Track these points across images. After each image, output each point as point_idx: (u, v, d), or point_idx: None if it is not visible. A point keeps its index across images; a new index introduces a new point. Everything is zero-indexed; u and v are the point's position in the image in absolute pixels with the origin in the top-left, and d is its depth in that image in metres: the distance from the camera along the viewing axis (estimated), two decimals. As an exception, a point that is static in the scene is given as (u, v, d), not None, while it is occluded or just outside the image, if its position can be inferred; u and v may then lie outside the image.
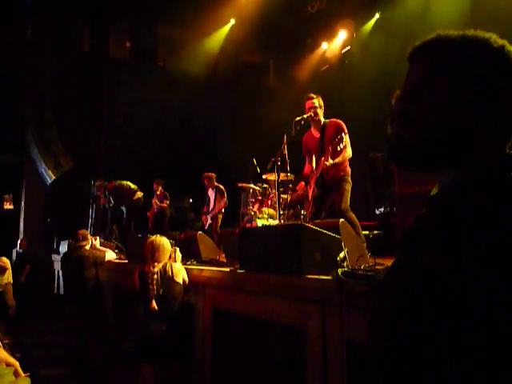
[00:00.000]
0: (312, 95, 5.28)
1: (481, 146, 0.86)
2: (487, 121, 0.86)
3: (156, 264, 4.00)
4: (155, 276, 3.92)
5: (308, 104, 5.21)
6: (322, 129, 5.19)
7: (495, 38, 0.90)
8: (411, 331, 0.74)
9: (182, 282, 4.01)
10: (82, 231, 6.46)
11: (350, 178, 5.04)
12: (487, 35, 0.91)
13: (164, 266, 4.02)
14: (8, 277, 8.70)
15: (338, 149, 4.66)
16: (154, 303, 3.85)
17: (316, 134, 5.28)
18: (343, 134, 4.70)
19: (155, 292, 3.88)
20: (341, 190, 4.92)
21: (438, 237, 0.79)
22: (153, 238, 4.20)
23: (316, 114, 5.17)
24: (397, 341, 0.77)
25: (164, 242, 4.16)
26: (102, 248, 6.63)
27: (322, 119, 5.25)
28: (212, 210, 8.78)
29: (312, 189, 5.06)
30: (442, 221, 0.81)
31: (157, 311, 3.83)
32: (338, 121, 5.14)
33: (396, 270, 0.89)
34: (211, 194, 8.81)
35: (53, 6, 10.41)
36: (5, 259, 8.85)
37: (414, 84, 0.95)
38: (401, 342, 0.76)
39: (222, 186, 8.71)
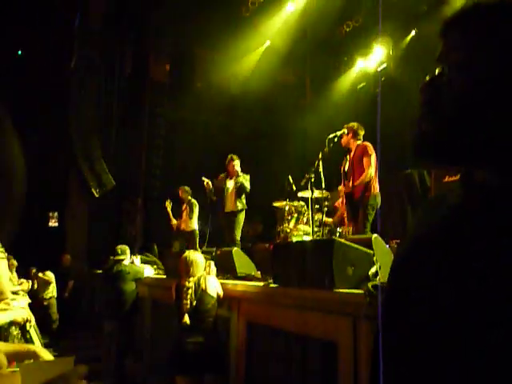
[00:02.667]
0: (345, 126, 5.72)
1: None
2: None
3: (190, 279, 4.07)
4: (189, 290, 3.99)
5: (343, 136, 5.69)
6: (354, 152, 5.65)
7: None
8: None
9: (215, 296, 4.07)
10: (121, 246, 6.58)
11: (375, 197, 5.47)
12: None
13: (198, 280, 4.09)
14: (52, 291, 9.02)
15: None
16: (186, 317, 3.91)
17: (350, 156, 5.73)
18: (366, 157, 5.32)
19: (188, 306, 3.95)
20: (364, 210, 5.41)
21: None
22: (186, 253, 4.30)
23: (345, 141, 5.66)
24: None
25: (197, 256, 4.24)
26: (141, 265, 6.80)
27: (354, 144, 5.68)
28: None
29: (344, 208, 5.68)
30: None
31: (189, 325, 3.89)
32: (365, 143, 5.59)
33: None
34: (184, 207, 8.73)
35: (97, 31, 10.91)
36: (49, 273, 9.19)
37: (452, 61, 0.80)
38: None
39: (194, 201, 8.61)
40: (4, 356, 1.59)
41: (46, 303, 8.91)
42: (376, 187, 5.53)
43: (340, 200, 6.65)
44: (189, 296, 3.95)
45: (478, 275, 0.68)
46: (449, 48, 0.83)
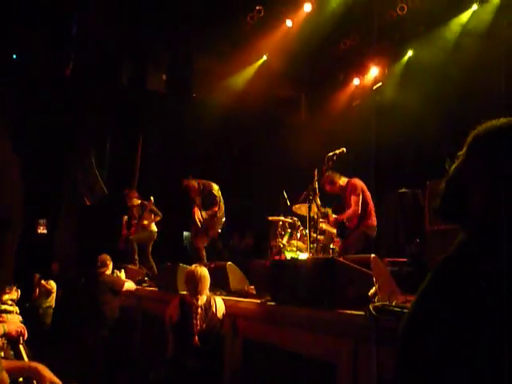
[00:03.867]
0: (321, 183, 6.07)
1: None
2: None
3: (199, 297, 3.89)
4: (199, 310, 3.82)
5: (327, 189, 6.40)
6: (345, 189, 6.32)
7: None
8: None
9: (221, 317, 3.95)
10: (102, 256, 6.41)
11: (365, 229, 6.14)
12: None
13: (208, 300, 3.92)
14: (51, 301, 8.89)
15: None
16: (196, 339, 3.74)
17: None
18: (354, 195, 6.01)
19: (198, 327, 3.77)
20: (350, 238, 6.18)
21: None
22: (193, 268, 4.08)
23: (331, 190, 6.36)
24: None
25: (205, 272, 4.05)
26: (124, 279, 6.63)
27: (339, 182, 6.34)
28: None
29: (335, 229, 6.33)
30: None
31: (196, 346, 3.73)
32: (353, 181, 6.25)
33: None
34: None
35: (94, 40, 10.90)
36: (52, 283, 9.07)
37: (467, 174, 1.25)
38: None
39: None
40: (6, 374, 1.55)
41: (41, 311, 8.78)
42: (373, 220, 6.24)
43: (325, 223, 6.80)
44: (198, 316, 3.79)
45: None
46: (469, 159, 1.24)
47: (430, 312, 0.99)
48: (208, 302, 3.92)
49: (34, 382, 1.70)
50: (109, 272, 6.35)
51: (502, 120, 1.22)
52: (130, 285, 6.45)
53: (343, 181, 6.42)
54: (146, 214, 8.38)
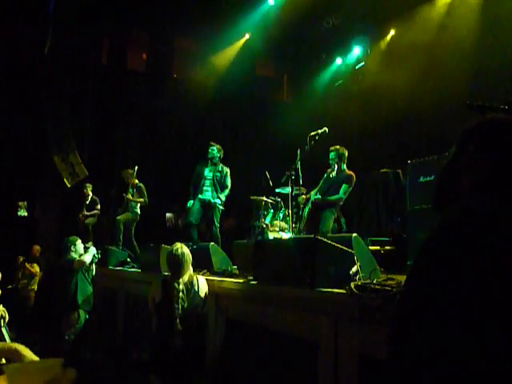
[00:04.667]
0: (332, 148, 6.16)
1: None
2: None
3: (180, 280, 3.82)
4: (180, 294, 3.75)
5: (330, 156, 6.17)
6: (338, 174, 6.18)
7: None
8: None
9: (203, 296, 3.91)
10: (70, 237, 6.31)
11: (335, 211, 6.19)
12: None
13: (191, 280, 3.86)
14: (34, 284, 8.82)
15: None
16: (178, 323, 3.69)
17: (331, 174, 6.22)
18: (347, 185, 6.00)
19: (180, 311, 3.71)
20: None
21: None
22: (174, 248, 3.97)
23: (336, 166, 6.13)
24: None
25: (186, 252, 3.95)
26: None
27: (341, 168, 6.19)
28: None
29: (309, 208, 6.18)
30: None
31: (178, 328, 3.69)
32: (351, 173, 6.18)
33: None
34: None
35: (72, 19, 10.64)
36: (36, 266, 8.98)
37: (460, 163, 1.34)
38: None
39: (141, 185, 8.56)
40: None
41: (23, 294, 8.72)
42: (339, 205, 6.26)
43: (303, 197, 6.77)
44: (180, 300, 3.72)
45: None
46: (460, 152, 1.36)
47: (423, 290, 1.03)
48: (190, 281, 3.87)
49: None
50: (75, 254, 6.14)
51: (491, 116, 1.36)
52: (88, 257, 6.20)
53: (343, 167, 6.34)
54: (133, 198, 8.36)
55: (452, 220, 1.12)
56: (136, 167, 8.41)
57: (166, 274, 4.31)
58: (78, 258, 6.06)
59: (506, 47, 7.89)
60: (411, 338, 0.96)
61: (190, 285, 3.84)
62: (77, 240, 6.27)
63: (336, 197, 6.09)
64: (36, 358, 1.77)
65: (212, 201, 7.16)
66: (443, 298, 0.94)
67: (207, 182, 7.26)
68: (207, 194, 7.21)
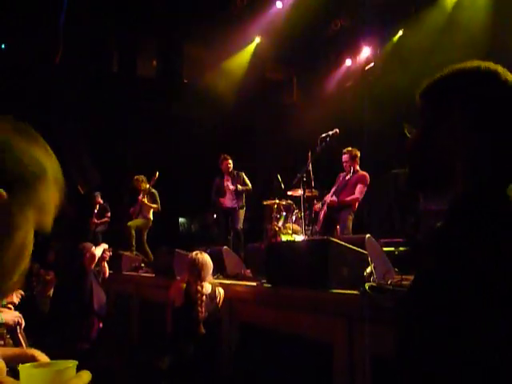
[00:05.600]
0: (345, 150, 6.28)
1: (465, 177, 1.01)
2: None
3: (204, 284, 3.87)
4: (204, 298, 3.79)
5: (343, 158, 6.30)
6: (352, 174, 6.29)
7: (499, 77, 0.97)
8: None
9: (219, 302, 3.95)
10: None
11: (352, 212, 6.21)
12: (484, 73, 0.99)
13: (214, 290, 3.90)
14: (50, 291, 8.87)
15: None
16: (201, 327, 3.73)
17: (347, 176, 6.35)
18: (362, 185, 6.08)
19: (203, 315, 3.75)
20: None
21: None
22: (195, 254, 4.03)
23: (350, 168, 6.26)
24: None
25: (207, 259, 4.02)
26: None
27: (355, 169, 6.29)
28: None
29: (324, 211, 6.29)
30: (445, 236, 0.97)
31: (201, 334, 3.72)
32: (365, 174, 6.27)
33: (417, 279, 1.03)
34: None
35: (82, 27, 10.76)
36: (52, 273, 9.03)
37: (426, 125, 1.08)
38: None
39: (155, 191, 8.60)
40: (3, 362, 1.55)
41: (39, 301, 8.76)
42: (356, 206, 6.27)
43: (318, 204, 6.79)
44: (204, 303, 3.76)
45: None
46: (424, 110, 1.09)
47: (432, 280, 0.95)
48: (213, 291, 3.91)
49: None
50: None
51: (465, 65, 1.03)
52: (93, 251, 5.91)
53: (357, 168, 6.44)
54: (147, 203, 8.41)
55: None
56: (157, 173, 8.45)
57: (178, 278, 4.33)
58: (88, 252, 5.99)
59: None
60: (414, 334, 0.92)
61: (213, 294, 3.89)
62: (92, 246, 6.28)
63: (352, 197, 6.16)
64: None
65: None
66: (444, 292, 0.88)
67: None
68: None
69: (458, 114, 0.99)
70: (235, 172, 7.84)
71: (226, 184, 7.78)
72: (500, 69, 0.98)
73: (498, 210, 0.91)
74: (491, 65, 0.99)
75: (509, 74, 0.98)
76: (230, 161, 7.78)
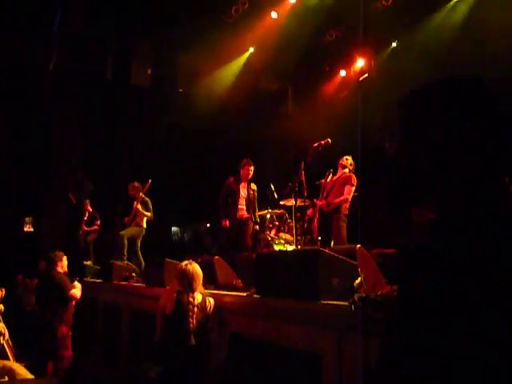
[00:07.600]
0: (348, 157, 6.46)
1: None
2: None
3: (194, 295, 3.83)
4: (195, 309, 3.77)
5: (341, 160, 6.45)
6: (338, 176, 6.40)
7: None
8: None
9: (209, 312, 3.92)
10: (55, 252, 6.28)
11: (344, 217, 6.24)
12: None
13: (204, 300, 3.87)
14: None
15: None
16: (192, 339, 3.70)
17: (334, 177, 6.46)
18: (349, 185, 6.16)
19: (193, 326, 3.72)
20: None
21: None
22: (184, 264, 4.00)
23: (343, 171, 6.39)
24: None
25: (197, 269, 3.98)
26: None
27: (341, 171, 6.42)
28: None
29: (316, 218, 6.34)
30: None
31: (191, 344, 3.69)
32: (352, 175, 6.35)
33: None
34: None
35: (76, 35, 10.77)
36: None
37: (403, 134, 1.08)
38: None
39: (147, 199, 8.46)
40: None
41: (25, 310, 8.69)
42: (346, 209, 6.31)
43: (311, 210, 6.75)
44: (195, 315, 3.73)
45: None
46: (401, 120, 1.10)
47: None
48: (204, 301, 3.87)
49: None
50: (60, 270, 6.08)
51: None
52: (76, 291, 6.03)
53: (345, 172, 6.48)
54: (140, 211, 8.31)
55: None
56: (150, 181, 8.35)
57: (168, 287, 4.29)
58: (71, 291, 5.96)
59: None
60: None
61: (204, 304, 3.85)
62: (63, 256, 6.24)
63: (341, 199, 6.21)
64: (31, 377, 1.74)
65: None
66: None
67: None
68: None
69: (433, 122, 1.00)
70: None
71: (241, 191, 7.37)
72: (475, 80, 1.00)
73: (497, 211, 0.93)
74: (467, 76, 1.01)
75: (483, 84, 0.99)
76: (252, 167, 7.45)
